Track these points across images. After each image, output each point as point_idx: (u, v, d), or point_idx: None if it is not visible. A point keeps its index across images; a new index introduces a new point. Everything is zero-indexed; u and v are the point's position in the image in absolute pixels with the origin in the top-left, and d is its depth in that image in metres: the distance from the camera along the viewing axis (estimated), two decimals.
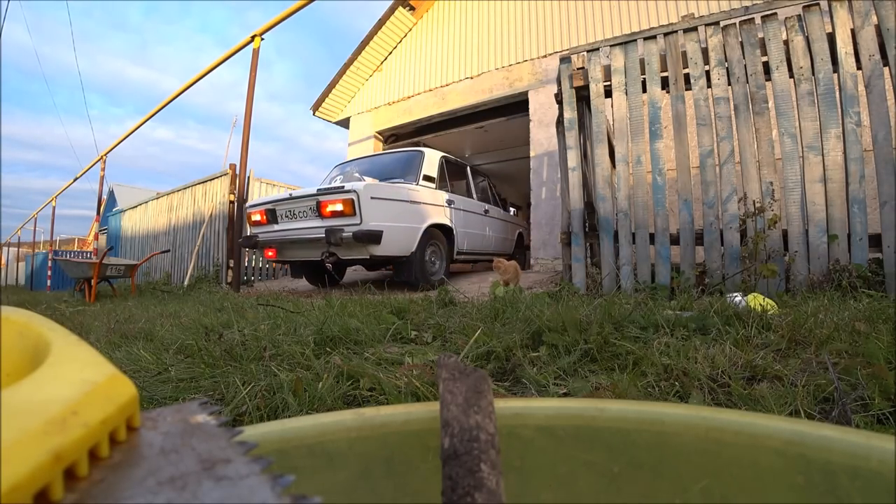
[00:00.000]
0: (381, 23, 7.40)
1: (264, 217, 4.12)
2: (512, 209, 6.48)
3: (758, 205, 2.39)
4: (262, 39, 5.80)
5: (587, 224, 2.87)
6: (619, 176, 2.79)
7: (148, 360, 1.18)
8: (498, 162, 10.09)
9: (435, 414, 0.28)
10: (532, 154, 5.96)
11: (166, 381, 1.02)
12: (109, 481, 0.16)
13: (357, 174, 4.58)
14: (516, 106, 6.41)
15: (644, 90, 2.75)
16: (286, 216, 3.98)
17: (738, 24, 2.55)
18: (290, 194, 3.93)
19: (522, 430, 0.29)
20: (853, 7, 2.32)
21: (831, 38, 2.36)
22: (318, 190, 3.72)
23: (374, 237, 3.47)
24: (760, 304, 1.56)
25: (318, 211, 3.64)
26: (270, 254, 4.10)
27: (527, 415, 0.30)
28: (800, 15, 2.43)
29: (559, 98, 3.02)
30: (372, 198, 3.54)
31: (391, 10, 7.27)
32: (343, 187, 3.54)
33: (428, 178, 4.30)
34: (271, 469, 0.17)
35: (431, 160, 4.47)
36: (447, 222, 4.34)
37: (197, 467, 0.17)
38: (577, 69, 2.94)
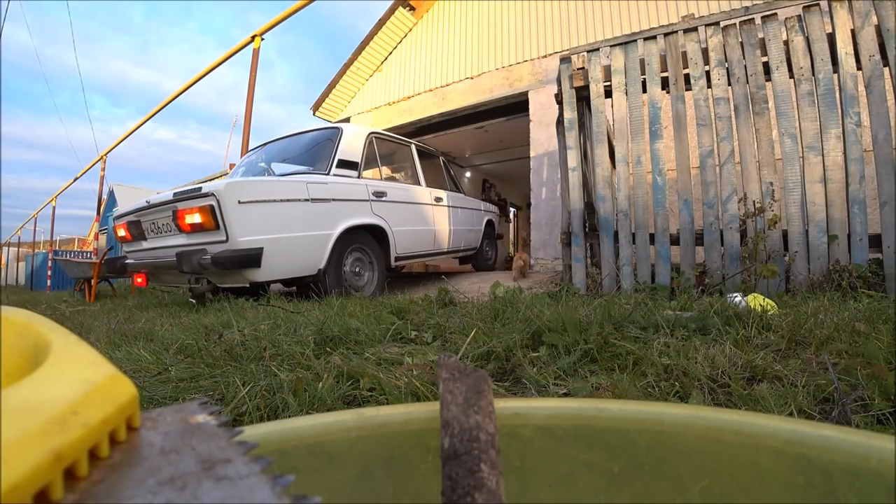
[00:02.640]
0: (381, 23, 7.40)
1: (128, 232, 3.11)
2: (483, 204, 5.55)
3: (758, 205, 2.39)
4: (263, 39, 5.80)
5: (587, 224, 2.87)
6: (619, 176, 2.79)
7: (148, 360, 1.18)
8: (498, 162, 10.10)
9: (435, 414, 0.28)
10: (532, 154, 5.96)
11: (166, 381, 1.02)
12: (109, 481, 0.16)
13: (263, 164, 3.67)
14: (516, 106, 6.40)
15: (644, 90, 2.75)
16: (152, 231, 2.95)
17: (738, 25, 2.55)
18: (148, 201, 2.93)
19: (522, 430, 0.29)
20: (853, 7, 2.32)
21: (831, 39, 2.36)
22: (175, 194, 2.70)
23: (248, 259, 2.50)
24: (760, 305, 1.56)
25: (177, 224, 2.63)
26: (140, 280, 3.21)
27: (527, 415, 0.30)
28: (800, 15, 2.43)
29: (559, 98, 3.02)
30: (241, 202, 2.52)
31: (391, 11, 7.27)
32: (200, 189, 2.55)
33: (346, 165, 3.28)
34: (271, 469, 0.17)
35: (352, 141, 3.41)
36: (376, 221, 3.37)
37: (197, 467, 0.17)
38: (577, 69, 2.94)
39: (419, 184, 4.16)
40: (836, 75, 2.34)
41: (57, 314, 2.98)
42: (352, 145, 3.42)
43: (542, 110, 5.86)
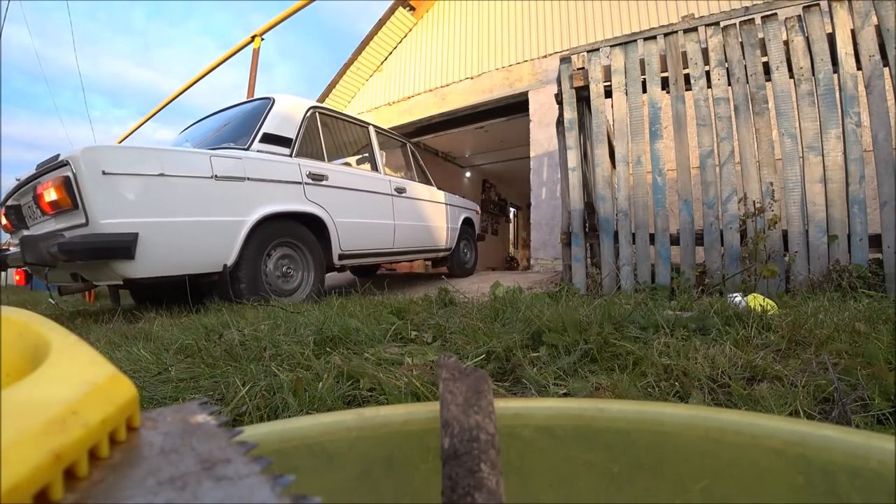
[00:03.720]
0: (381, 23, 7.40)
1: (8, 220, 2.57)
2: (449, 195, 4.85)
3: (758, 205, 2.39)
4: (263, 40, 5.80)
5: (587, 224, 2.87)
6: (619, 176, 2.79)
7: (148, 360, 1.18)
8: (498, 162, 10.10)
9: (435, 414, 0.28)
10: (532, 154, 5.96)
11: (166, 381, 1.02)
12: (109, 481, 0.16)
13: (188, 143, 3.10)
14: (516, 106, 6.41)
15: (644, 90, 2.75)
16: (30, 216, 2.39)
17: (738, 25, 2.55)
18: (18, 178, 2.43)
19: (522, 430, 0.29)
20: (853, 7, 2.32)
21: (831, 39, 2.36)
22: (38, 165, 2.23)
23: (114, 248, 1.97)
24: (760, 305, 1.56)
25: (38, 205, 2.14)
26: (17, 278, 2.51)
27: (527, 415, 0.30)
28: (800, 15, 2.43)
29: (559, 98, 3.02)
30: (107, 173, 1.98)
31: (391, 11, 7.27)
32: (58, 157, 2.06)
33: (275, 140, 2.76)
34: (271, 469, 0.17)
35: (286, 113, 2.88)
36: (311, 209, 2.81)
37: (197, 467, 0.17)
38: (577, 69, 2.94)
39: (377, 171, 3.58)
40: (836, 75, 2.34)
41: (57, 314, 2.98)
42: (285, 118, 2.86)
43: (542, 110, 5.86)
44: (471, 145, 9.15)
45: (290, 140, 2.85)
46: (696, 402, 0.81)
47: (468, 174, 11.00)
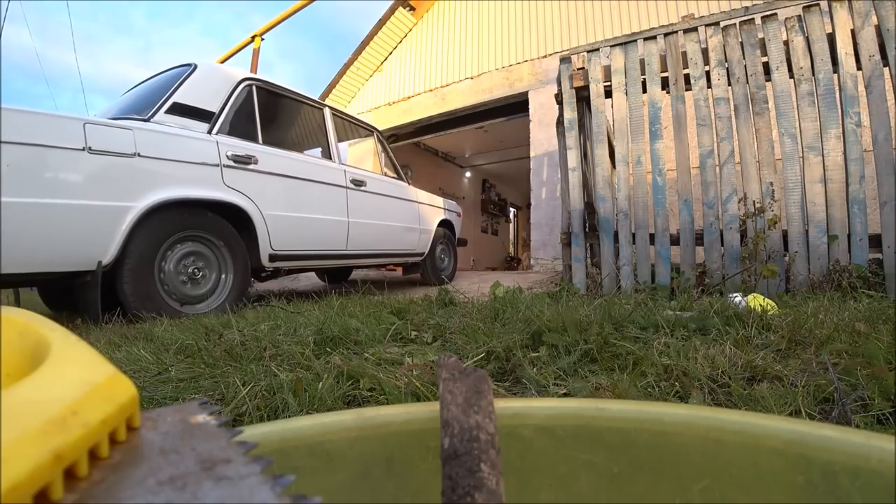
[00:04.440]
0: (381, 23, 7.41)
1: None
2: (432, 196, 4.44)
3: (758, 205, 2.39)
4: (263, 40, 5.80)
5: (587, 224, 2.87)
6: (619, 176, 2.79)
7: (148, 360, 1.18)
8: (498, 162, 10.10)
9: (435, 414, 0.28)
10: (532, 154, 5.96)
11: (166, 381, 1.02)
12: (109, 481, 0.16)
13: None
14: (516, 106, 6.41)
15: (644, 90, 2.76)
16: None
17: (738, 25, 2.55)
18: None
19: (522, 430, 0.29)
20: (853, 7, 2.32)
21: (831, 39, 2.36)
22: None
23: None
24: (760, 305, 1.56)
25: None
26: None
27: (527, 415, 0.30)
28: (800, 15, 2.43)
29: (559, 98, 3.03)
30: None
31: (391, 11, 7.28)
32: None
33: (190, 113, 2.29)
34: (271, 469, 0.17)
35: (209, 82, 2.43)
36: (230, 197, 2.31)
37: (197, 467, 0.17)
38: (577, 69, 2.95)
39: (331, 159, 3.10)
40: (836, 75, 2.34)
41: (57, 314, 2.98)
42: (207, 89, 2.39)
43: (542, 110, 5.86)
44: (471, 145, 9.15)
45: (211, 114, 2.35)
46: (696, 402, 0.81)
47: (468, 174, 11.00)
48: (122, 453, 0.17)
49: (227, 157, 2.35)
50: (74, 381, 0.17)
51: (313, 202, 2.87)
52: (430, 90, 7.22)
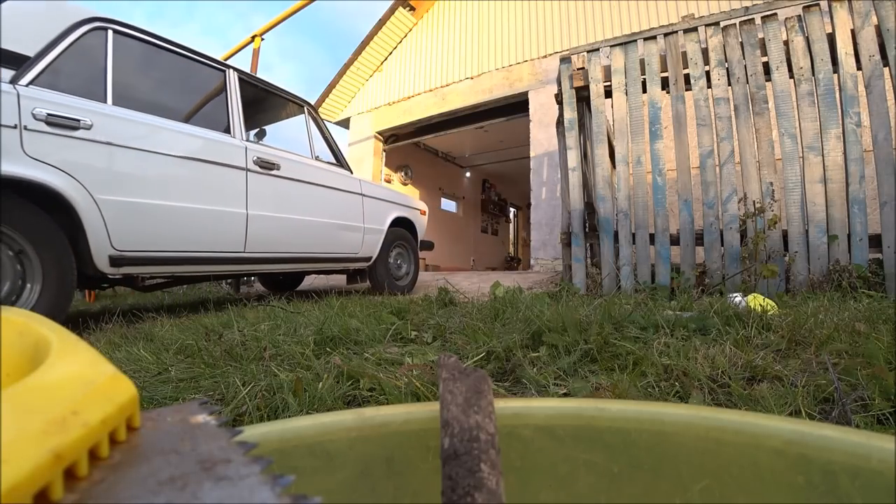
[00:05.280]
0: (381, 23, 7.41)
1: None
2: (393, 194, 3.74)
3: (758, 205, 2.39)
4: (263, 40, 5.80)
5: (587, 224, 2.87)
6: (619, 176, 2.79)
7: (148, 360, 1.18)
8: (498, 162, 10.10)
9: (435, 414, 0.28)
10: (532, 154, 5.97)
11: (166, 381, 1.02)
12: (109, 481, 0.16)
13: None
14: (516, 106, 6.41)
15: (644, 90, 2.76)
16: None
17: (738, 25, 2.55)
18: None
19: (522, 430, 0.29)
20: (853, 7, 2.32)
21: (831, 39, 2.36)
22: None
23: None
24: (760, 305, 1.56)
25: None
26: None
27: (527, 415, 0.30)
28: (800, 15, 2.43)
29: (559, 98, 3.03)
30: None
31: (391, 11, 7.28)
32: None
33: None
34: (271, 469, 0.17)
35: (34, 15, 1.86)
36: (34, 174, 1.68)
37: (197, 467, 0.17)
38: (577, 69, 2.95)
39: (230, 133, 2.43)
40: (836, 75, 2.34)
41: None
42: (28, 26, 1.83)
43: (542, 110, 5.86)
44: (471, 145, 9.15)
45: (24, 59, 1.77)
46: (696, 402, 0.81)
47: (468, 174, 11.01)
48: (122, 453, 0.17)
49: (37, 116, 1.71)
50: (74, 381, 0.17)
51: (189, 187, 2.15)
52: (430, 90, 7.22)
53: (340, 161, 3.22)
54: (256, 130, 3.06)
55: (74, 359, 0.20)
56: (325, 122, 8.86)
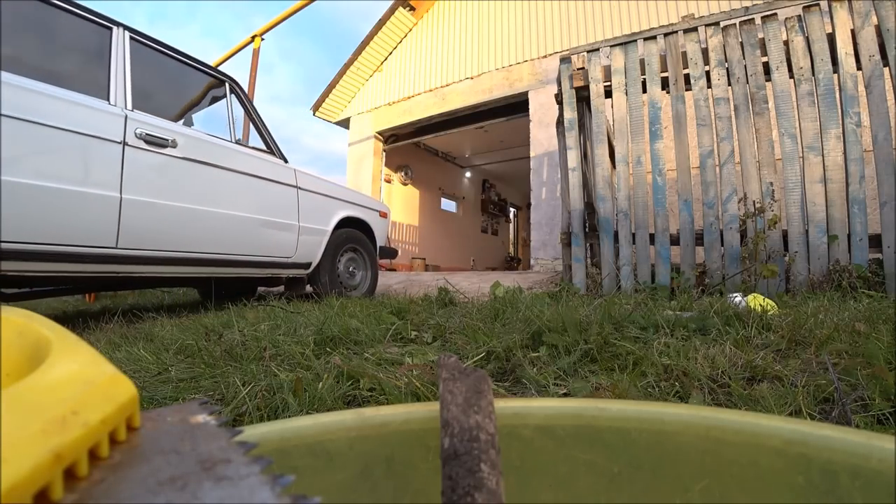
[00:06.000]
0: (381, 23, 7.41)
1: None
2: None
3: (758, 205, 2.39)
4: (263, 40, 5.80)
5: (587, 224, 2.87)
6: (619, 176, 2.79)
7: (148, 360, 1.18)
8: (498, 162, 10.11)
9: (435, 414, 0.28)
10: (532, 154, 5.97)
11: (166, 381, 1.02)
12: (109, 481, 0.16)
13: None
14: (516, 106, 6.42)
15: (644, 90, 2.76)
16: None
17: (738, 25, 2.55)
18: None
19: (522, 430, 0.29)
20: (853, 7, 2.32)
21: (831, 39, 2.36)
22: None
23: None
24: (760, 305, 1.56)
25: None
26: None
27: (527, 415, 0.30)
28: (800, 15, 2.43)
29: (559, 98, 3.03)
30: None
31: (391, 11, 7.28)
32: None
33: None
34: (271, 469, 0.17)
35: None
36: None
37: (197, 467, 0.17)
38: (578, 69, 2.95)
39: (109, 100, 1.97)
40: (836, 75, 2.34)
41: (57, 314, 2.98)
42: None
43: (542, 110, 5.86)
44: (471, 145, 9.16)
45: None
46: (696, 402, 0.81)
47: (468, 174, 11.01)
48: (122, 453, 0.17)
49: None
50: (74, 381, 0.17)
51: (37, 160, 1.72)
52: (430, 90, 7.22)
53: (271, 147, 2.75)
54: (183, 118, 2.69)
55: (74, 359, 0.20)
56: (328, 122, 8.82)
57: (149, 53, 2.27)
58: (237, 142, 2.58)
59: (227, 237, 2.40)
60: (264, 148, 2.73)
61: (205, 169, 2.29)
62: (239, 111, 2.73)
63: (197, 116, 2.83)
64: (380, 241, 3.50)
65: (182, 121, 2.63)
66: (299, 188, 2.81)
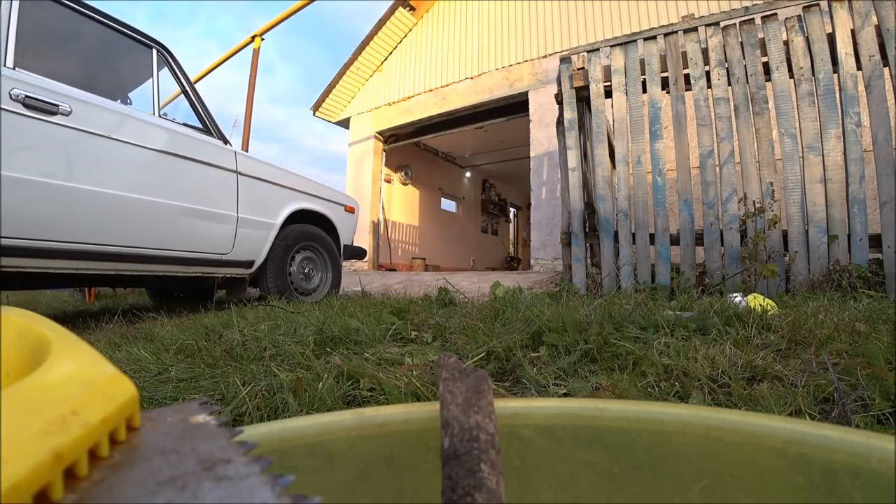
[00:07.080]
0: (381, 23, 7.41)
1: None
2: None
3: (758, 205, 2.39)
4: (263, 40, 5.80)
5: (587, 224, 2.87)
6: (619, 176, 2.79)
7: (148, 360, 1.18)
8: (498, 162, 10.10)
9: (435, 414, 0.28)
10: (532, 154, 5.97)
11: (166, 381, 1.02)
12: (109, 481, 0.16)
13: None
14: (516, 106, 6.41)
15: (644, 90, 2.76)
16: None
17: (738, 25, 2.55)
18: None
19: (522, 430, 0.29)
20: (853, 7, 2.32)
21: (831, 39, 2.36)
22: None
23: None
24: (760, 305, 1.56)
25: None
26: None
27: (527, 415, 0.30)
28: (800, 15, 2.43)
29: (559, 98, 3.03)
30: None
31: (391, 11, 7.28)
32: None
33: None
34: (271, 469, 0.17)
35: None
36: None
37: (197, 467, 0.17)
38: (577, 69, 2.95)
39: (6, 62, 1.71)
40: (836, 75, 2.34)
41: (57, 314, 2.98)
42: None
43: (542, 110, 5.86)
44: (471, 145, 9.15)
45: None
46: (696, 402, 0.81)
47: (468, 174, 11.01)
48: (122, 453, 0.17)
49: None
50: (74, 381, 0.17)
51: None
52: (430, 90, 7.22)
53: (207, 126, 2.36)
54: (119, 98, 2.36)
55: (74, 359, 0.20)
56: (328, 123, 8.81)
57: (51, 8, 1.92)
58: (162, 116, 2.21)
59: (138, 227, 2.03)
60: (199, 126, 2.36)
61: (111, 144, 1.93)
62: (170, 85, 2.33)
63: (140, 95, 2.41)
64: (345, 240, 3.12)
65: (116, 99, 2.29)
66: (240, 173, 2.44)
